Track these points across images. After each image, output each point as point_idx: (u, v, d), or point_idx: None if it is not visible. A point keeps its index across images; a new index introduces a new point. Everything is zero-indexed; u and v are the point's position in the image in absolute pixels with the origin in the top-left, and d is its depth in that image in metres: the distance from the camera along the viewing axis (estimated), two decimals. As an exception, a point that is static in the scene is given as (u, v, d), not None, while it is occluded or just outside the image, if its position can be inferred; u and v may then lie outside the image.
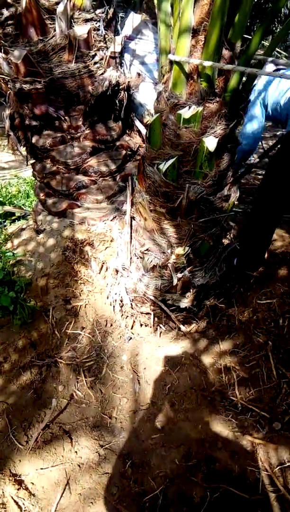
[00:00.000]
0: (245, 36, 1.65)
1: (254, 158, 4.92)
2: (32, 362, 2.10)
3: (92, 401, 1.94)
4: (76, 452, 1.70)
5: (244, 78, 1.68)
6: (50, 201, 2.64)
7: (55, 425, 1.80)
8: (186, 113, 1.65)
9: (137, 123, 2.71)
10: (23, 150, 2.64)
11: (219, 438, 1.69)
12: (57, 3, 2.07)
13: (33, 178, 4.15)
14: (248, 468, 1.57)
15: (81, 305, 2.43)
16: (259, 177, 4.26)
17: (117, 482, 1.58)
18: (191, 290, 2.25)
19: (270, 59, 1.69)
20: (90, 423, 1.83)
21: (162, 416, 1.83)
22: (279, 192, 2.24)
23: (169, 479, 1.57)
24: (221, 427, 1.75)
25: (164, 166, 1.80)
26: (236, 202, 2.07)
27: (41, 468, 1.63)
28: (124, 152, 2.61)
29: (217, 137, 1.68)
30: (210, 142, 1.66)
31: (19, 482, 1.58)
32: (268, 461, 1.59)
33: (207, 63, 1.50)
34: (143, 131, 2.64)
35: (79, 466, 1.64)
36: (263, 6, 5.64)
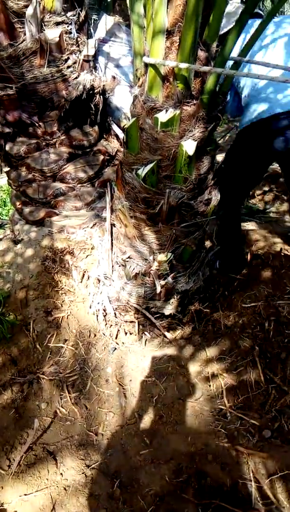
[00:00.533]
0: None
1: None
2: (13, 379, 2.01)
3: (77, 417, 1.86)
4: (61, 474, 1.62)
5: (221, 80, 1.65)
6: (27, 210, 2.56)
7: (39, 446, 1.72)
8: (163, 116, 1.61)
9: (114, 127, 2.65)
10: (-3, 158, 2.55)
11: (209, 450, 1.64)
12: (26, 6, 2.00)
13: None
14: (239, 481, 1.52)
15: (63, 316, 2.35)
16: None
17: (106, 504, 1.50)
18: (175, 296, 2.20)
19: (245, 59, 1.66)
20: (76, 441, 1.75)
21: (150, 430, 1.77)
22: (232, 187, 2.37)
23: (159, 498, 1.51)
24: (211, 439, 1.70)
25: (143, 172, 1.75)
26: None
27: (25, 494, 1.54)
28: (102, 157, 2.55)
29: (196, 141, 1.64)
30: (189, 146, 1.62)
31: None
32: (259, 472, 1.55)
33: (183, 65, 1.46)
34: (121, 135, 2.59)
35: (65, 489, 1.56)
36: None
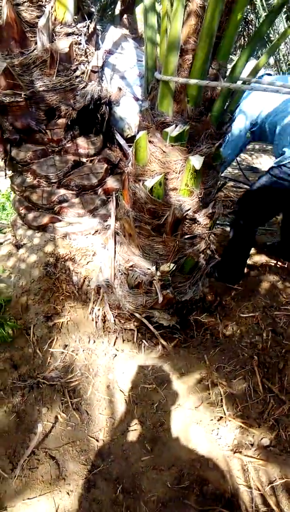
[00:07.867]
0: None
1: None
2: (13, 384, 2.02)
3: (78, 423, 1.88)
4: (64, 479, 1.63)
5: (229, 99, 1.71)
6: (30, 215, 2.57)
7: (41, 450, 1.73)
8: (173, 131, 1.66)
9: (118, 136, 2.69)
10: (0, 163, 2.56)
11: (210, 458, 1.67)
12: (39, 17, 2.04)
13: (9, 190, 4.05)
14: (241, 488, 1.56)
15: (63, 322, 2.37)
16: (233, 189, 4.35)
17: (109, 510, 1.52)
18: (175, 306, 2.24)
19: (254, 79, 1.72)
20: (77, 447, 1.77)
21: (151, 436, 1.80)
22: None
23: (161, 503, 1.53)
24: (211, 446, 1.73)
25: (150, 183, 1.79)
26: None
27: (28, 498, 1.55)
28: (105, 165, 2.59)
29: (203, 156, 1.69)
30: (196, 161, 1.67)
31: (5, 516, 1.50)
32: (259, 479, 1.59)
33: (193, 81, 1.51)
34: (124, 145, 2.63)
35: (68, 493, 1.58)
36: (239, 27, 5.81)
